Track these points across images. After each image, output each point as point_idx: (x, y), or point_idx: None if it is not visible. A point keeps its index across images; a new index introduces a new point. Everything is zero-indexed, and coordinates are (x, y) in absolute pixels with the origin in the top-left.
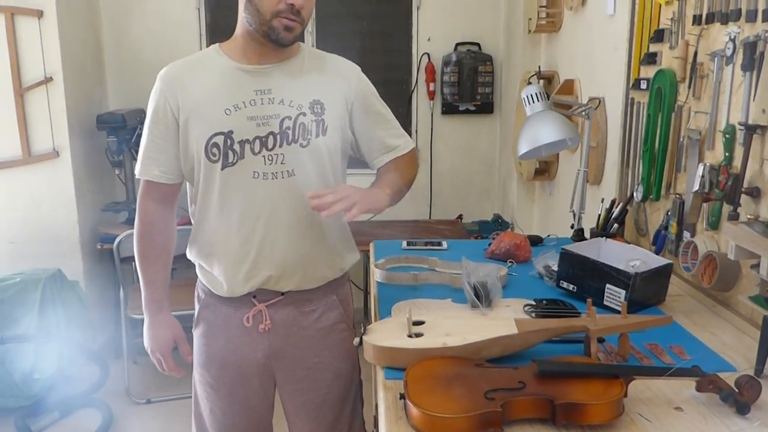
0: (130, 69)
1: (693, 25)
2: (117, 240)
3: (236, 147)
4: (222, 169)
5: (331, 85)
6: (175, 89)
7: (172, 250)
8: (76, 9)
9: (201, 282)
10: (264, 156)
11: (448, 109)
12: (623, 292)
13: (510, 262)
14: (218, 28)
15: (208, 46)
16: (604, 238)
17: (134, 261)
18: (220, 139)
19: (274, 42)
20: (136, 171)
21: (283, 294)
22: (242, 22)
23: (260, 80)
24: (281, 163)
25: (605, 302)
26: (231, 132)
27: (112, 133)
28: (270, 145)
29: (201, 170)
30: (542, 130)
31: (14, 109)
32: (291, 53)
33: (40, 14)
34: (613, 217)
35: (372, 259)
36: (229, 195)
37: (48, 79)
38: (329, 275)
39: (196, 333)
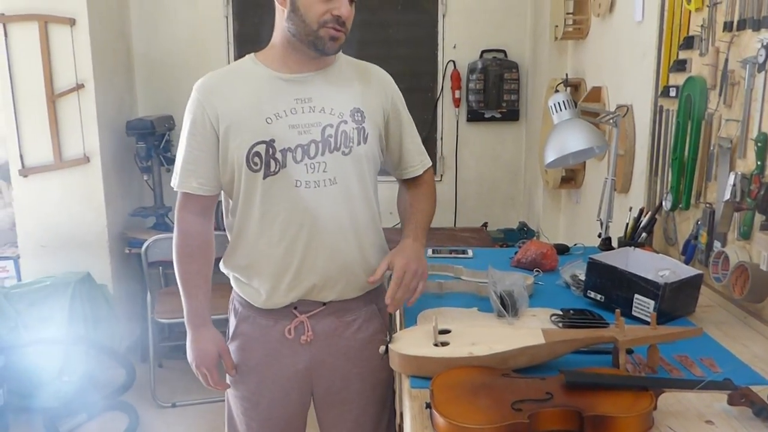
0: (159, 76)
1: (724, 32)
2: (145, 245)
3: (278, 156)
4: (264, 178)
5: (370, 93)
6: (214, 99)
7: (212, 262)
8: (108, 17)
9: (237, 294)
10: (306, 164)
11: (474, 116)
12: (652, 302)
13: (536, 271)
14: (246, 37)
15: (235, 53)
16: (633, 247)
17: (160, 266)
18: (261, 148)
19: (320, 51)
20: (174, 183)
21: (324, 304)
22: (283, 32)
23: (300, 89)
24: (323, 171)
25: (634, 313)
26: (273, 140)
27: (141, 139)
28: (312, 153)
29: (242, 180)
30: (570, 138)
31: (46, 115)
32: (329, 61)
33: (72, 22)
34: (641, 226)
35: None
36: (270, 204)
37: (79, 86)
38: (369, 284)
39: (233, 346)
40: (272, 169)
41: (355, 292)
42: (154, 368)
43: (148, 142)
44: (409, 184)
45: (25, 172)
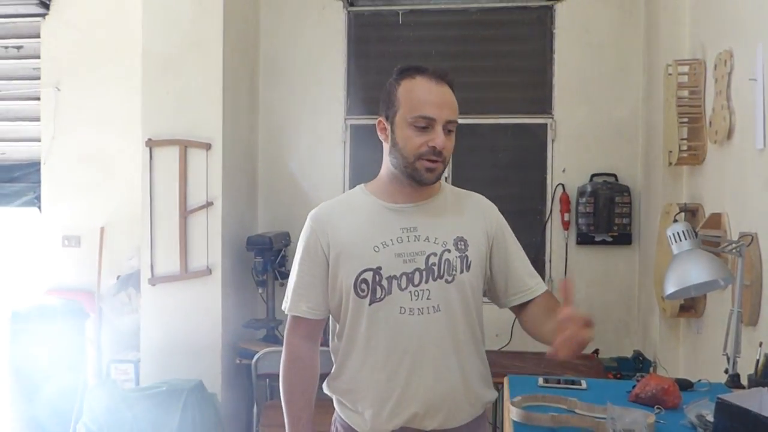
0: (279, 196)
1: None
2: (255, 357)
3: (384, 283)
4: (370, 304)
5: (473, 222)
6: (326, 228)
7: (317, 384)
8: (239, 140)
9: (339, 416)
10: (411, 291)
11: (584, 239)
12: None
13: (657, 408)
14: (359, 165)
15: (350, 179)
16: (766, 387)
17: (267, 378)
18: (369, 275)
19: (418, 182)
20: (285, 307)
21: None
22: (387, 165)
23: (406, 218)
24: (427, 299)
25: None
26: (380, 268)
27: (259, 254)
28: (416, 281)
29: (349, 306)
30: (691, 270)
31: (177, 229)
32: (433, 191)
33: (208, 147)
34: None
35: (507, 395)
36: (376, 330)
37: (209, 204)
38: (472, 413)
39: None
40: (378, 295)
41: (457, 422)
42: None
43: (266, 257)
44: (531, 308)
45: (154, 281)
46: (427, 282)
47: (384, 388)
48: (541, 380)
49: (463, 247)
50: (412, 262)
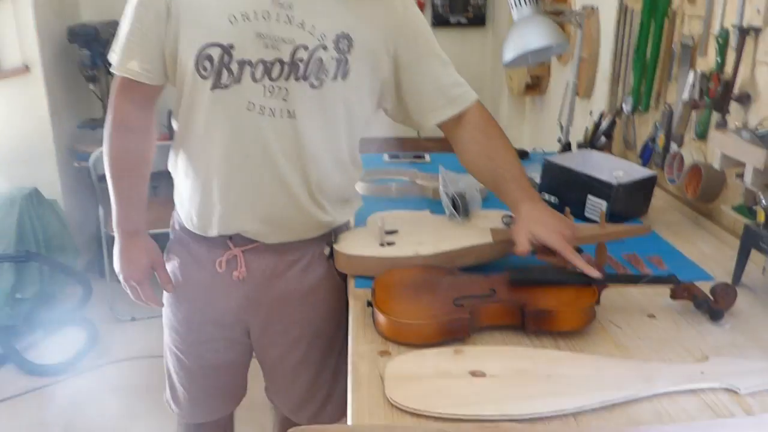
0: None
1: None
2: (92, 157)
3: (234, 67)
4: (212, 89)
5: (369, 17)
6: None
7: (151, 161)
8: None
9: (176, 210)
10: (265, 86)
11: (439, 21)
12: (604, 203)
13: None
14: None
15: None
16: (590, 149)
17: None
18: (215, 52)
19: None
20: (113, 62)
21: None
22: None
23: None
24: (283, 100)
25: (586, 214)
26: (231, 47)
27: (85, 46)
28: (274, 75)
29: (187, 85)
30: (529, 35)
31: None
32: None
33: None
34: (600, 130)
35: None
36: (215, 123)
37: None
38: (319, 231)
39: (167, 267)
40: (223, 81)
41: (298, 237)
42: (111, 283)
43: (93, 49)
44: (464, 130)
45: None
46: (287, 79)
47: (216, 190)
48: (386, 156)
49: (345, 48)
50: (274, 49)
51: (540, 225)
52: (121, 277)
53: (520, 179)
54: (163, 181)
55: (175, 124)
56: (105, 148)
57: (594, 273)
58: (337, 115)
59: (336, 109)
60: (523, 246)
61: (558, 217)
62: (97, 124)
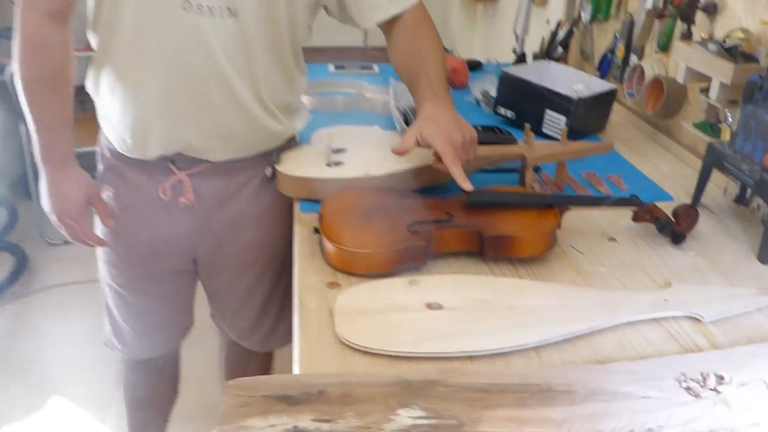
0: None
1: None
2: (9, 69)
3: None
4: None
5: None
6: None
7: (73, 79)
8: None
9: (103, 134)
10: None
11: None
12: (563, 118)
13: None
14: None
15: None
16: (547, 60)
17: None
18: None
19: None
20: None
21: (210, 161)
22: None
23: None
24: None
25: (544, 129)
26: None
27: None
28: None
29: None
30: None
31: None
32: None
33: None
34: (557, 40)
35: None
36: (146, 27)
37: None
38: (271, 143)
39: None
40: None
41: (249, 152)
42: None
43: None
44: (397, 30)
45: None
46: None
47: (152, 104)
48: (332, 67)
49: None
50: None
51: (431, 124)
52: (53, 217)
53: (434, 79)
54: (85, 94)
55: (92, 38)
56: (17, 70)
57: (467, 186)
58: (279, 12)
59: (279, 5)
60: (406, 144)
61: (455, 121)
62: (11, 32)
